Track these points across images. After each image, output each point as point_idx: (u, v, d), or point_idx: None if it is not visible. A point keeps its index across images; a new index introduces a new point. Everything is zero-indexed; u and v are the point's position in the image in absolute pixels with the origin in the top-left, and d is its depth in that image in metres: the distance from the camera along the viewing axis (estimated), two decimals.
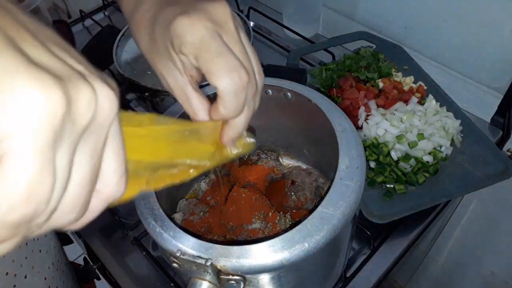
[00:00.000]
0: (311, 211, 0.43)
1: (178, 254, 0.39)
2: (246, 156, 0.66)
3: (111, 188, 0.21)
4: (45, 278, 0.55)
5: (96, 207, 0.21)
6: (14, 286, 0.49)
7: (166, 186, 0.32)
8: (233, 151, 0.38)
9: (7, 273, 0.48)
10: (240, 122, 0.36)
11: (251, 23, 1.01)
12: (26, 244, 0.52)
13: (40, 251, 0.55)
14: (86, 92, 0.17)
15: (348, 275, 0.61)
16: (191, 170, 0.35)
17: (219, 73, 0.31)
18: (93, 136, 0.18)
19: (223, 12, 0.33)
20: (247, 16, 1.02)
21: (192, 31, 0.31)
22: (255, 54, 0.36)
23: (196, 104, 0.36)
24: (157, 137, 0.29)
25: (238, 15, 0.90)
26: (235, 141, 0.37)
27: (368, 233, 0.63)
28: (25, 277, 0.51)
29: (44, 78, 0.16)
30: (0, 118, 0.15)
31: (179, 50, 0.33)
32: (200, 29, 0.31)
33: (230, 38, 0.33)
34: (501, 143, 0.79)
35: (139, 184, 0.29)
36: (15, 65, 0.15)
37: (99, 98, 0.18)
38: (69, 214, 0.19)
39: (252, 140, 0.40)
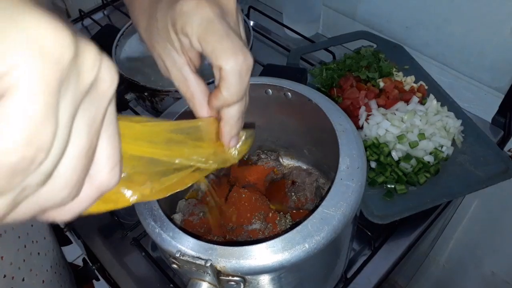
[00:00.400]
0: (311, 211, 0.42)
1: (178, 255, 0.39)
2: (246, 156, 0.66)
3: (104, 175, 0.20)
4: (43, 281, 0.55)
5: (87, 195, 0.20)
6: None
7: (172, 193, 0.31)
8: (234, 151, 0.38)
9: (4, 276, 0.48)
10: (236, 114, 0.35)
11: (251, 22, 1.01)
12: (25, 247, 0.52)
13: (38, 253, 0.55)
14: (92, 52, 0.17)
15: (348, 275, 0.61)
16: (194, 173, 0.34)
17: (225, 54, 0.31)
18: (92, 107, 0.18)
19: (231, 2, 0.33)
20: (247, 15, 1.01)
21: (199, 11, 0.31)
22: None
23: (194, 86, 0.35)
24: (154, 132, 0.29)
25: None
26: (235, 138, 0.37)
27: (369, 233, 0.63)
28: (23, 279, 0.51)
29: (57, 23, 0.16)
30: (9, 47, 0.14)
31: (181, 30, 0.32)
32: (208, 11, 0.31)
33: (234, 27, 0.33)
34: (502, 143, 0.79)
35: (140, 190, 0.28)
36: (34, 6, 0.15)
37: (102, 65, 0.18)
38: (62, 191, 0.18)
39: (250, 134, 0.39)
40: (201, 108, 0.36)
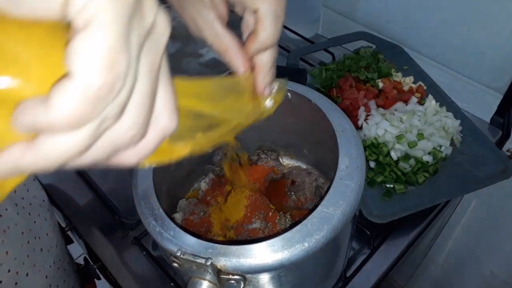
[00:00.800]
0: (311, 210, 0.43)
1: (178, 254, 0.39)
2: (247, 156, 0.66)
3: (165, 118, 0.22)
4: (46, 277, 0.55)
5: (152, 137, 0.22)
6: (16, 283, 0.49)
7: (214, 145, 0.32)
8: (269, 102, 0.38)
9: (9, 271, 0.48)
10: (270, 61, 0.36)
11: None
12: (28, 243, 0.52)
13: (41, 249, 0.55)
14: None
15: (348, 274, 0.61)
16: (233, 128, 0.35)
17: None
18: (152, 50, 0.19)
19: None
20: None
21: None
22: None
23: (227, 39, 0.36)
24: (199, 86, 0.30)
25: None
26: (269, 86, 0.37)
27: (368, 233, 0.64)
28: (27, 275, 0.51)
29: None
30: None
31: None
32: None
33: None
34: (500, 143, 0.79)
35: (191, 142, 0.30)
36: None
37: (158, 11, 0.19)
38: (131, 129, 0.19)
39: (284, 83, 0.39)
40: (237, 59, 0.36)
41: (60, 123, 0.17)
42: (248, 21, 0.36)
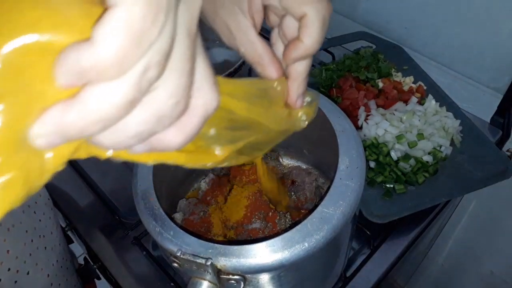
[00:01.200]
0: (311, 211, 0.43)
1: (178, 254, 0.39)
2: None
3: (206, 94, 0.21)
4: (48, 275, 0.55)
5: (196, 113, 0.20)
6: (15, 282, 0.49)
7: (254, 159, 0.31)
8: (301, 114, 0.37)
9: (9, 269, 0.48)
10: (305, 71, 0.35)
11: None
12: (32, 241, 0.52)
13: (45, 248, 0.55)
14: None
15: (348, 274, 0.61)
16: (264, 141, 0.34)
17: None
18: (187, 12, 0.19)
19: None
20: None
21: None
22: None
23: (261, 48, 0.35)
24: (234, 85, 0.29)
25: None
26: (301, 97, 0.36)
27: (368, 233, 0.64)
28: (28, 273, 0.51)
29: None
30: None
31: None
32: None
33: None
34: (500, 143, 0.79)
35: (226, 148, 0.28)
36: None
37: None
38: (172, 97, 0.18)
39: (316, 97, 0.38)
40: (271, 69, 0.35)
41: (105, 62, 0.15)
42: (287, 29, 0.34)
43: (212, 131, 0.27)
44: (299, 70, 0.35)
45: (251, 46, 0.35)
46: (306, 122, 0.37)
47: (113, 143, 0.18)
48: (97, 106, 0.16)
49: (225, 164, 0.29)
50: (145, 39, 0.16)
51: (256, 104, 0.31)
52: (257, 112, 0.31)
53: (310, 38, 0.32)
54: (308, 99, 0.37)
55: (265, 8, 0.36)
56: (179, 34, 0.18)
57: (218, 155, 0.28)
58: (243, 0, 0.34)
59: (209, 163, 0.28)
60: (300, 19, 0.32)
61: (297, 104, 0.36)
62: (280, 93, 0.35)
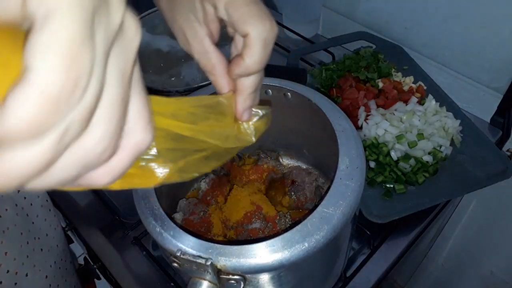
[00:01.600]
0: (311, 210, 0.43)
1: (178, 254, 0.39)
2: (247, 156, 0.67)
3: (139, 133, 0.20)
4: (46, 276, 0.55)
5: (125, 154, 0.20)
6: (15, 284, 0.49)
7: (196, 175, 0.31)
8: (251, 129, 0.37)
9: (8, 271, 0.48)
10: (252, 86, 0.35)
11: None
12: (28, 243, 0.52)
13: (41, 250, 0.55)
14: None
15: (348, 274, 0.61)
16: (215, 157, 0.33)
17: (253, 20, 0.31)
18: (121, 55, 0.18)
19: None
20: None
21: None
22: None
23: (214, 58, 0.35)
24: (178, 106, 0.29)
25: None
26: (248, 111, 0.36)
27: (368, 233, 0.64)
28: (26, 275, 0.51)
29: None
30: None
31: None
32: None
33: None
34: (500, 143, 0.79)
35: (169, 168, 0.28)
36: None
37: (126, 11, 0.18)
38: (101, 142, 0.18)
39: (267, 111, 0.38)
40: (222, 80, 0.35)
41: (18, 131, 0.14)
42: (238, 43, 0.34)
43: (153, 151, 0.27)
44: (245, 84, 0.35)
45: (205, 55, 0.35)
46: (254, 138, 0.37)
47: (39, 187, 0.17)
48: (10, 170, 0.15)
49: (169, 182, 0.29)
50: (63, 106, 0.15)
51: (201, 123, 0.31)
52: (202, 132, 0.31)
53: (251, 58, 0.32)
54: (260, 112, 0.37)
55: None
56: (110, 81, 0.17)
57: (158, 176, 0.27)
58: (198, 9, 0.34)
59: (150, 185, 0.27)
60: (244, 37, 0.32)
61: (243, 118, 0.36)
62: (229, 107, 0.35)
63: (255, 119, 0.37)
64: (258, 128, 0.37)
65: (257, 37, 0.31)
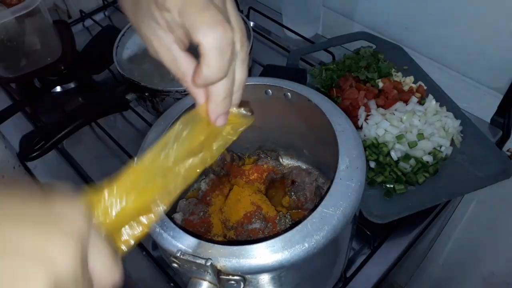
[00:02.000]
0: (311, 211, 0.43)
1: (178, 254, 0.39)
2: (247, 156, 0.66)
3: (106, 277, 0.25)
4: None
5: None
6: None
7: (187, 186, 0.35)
8: (229, 129, 0.37)
9: None
10: (222, 93, 0.33)
11: (251, 23, 1.01)
12: None
13: None
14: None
15: (348, 275, 0.61)
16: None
17: (203, 27, 0.30)
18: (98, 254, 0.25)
19: None
20: (247, 16, 1.02)
21: None
22: (241, 22, 0.34)
23: (184, 65, 0.34)
24: (152, 164, 0.34)
25: None
26: (222, 116, 0.35)
27: (368, 233, 0.63)
28: None
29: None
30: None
31: (163, 5, 0.31)
32: None
33: (216, 1, 0.32)
34: (501, 143, 0.79)
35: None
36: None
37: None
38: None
39: (248, 113, 0.38)
40: (193, 90, 0.35)
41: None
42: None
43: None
44: (214, 92, 0.34)
45: (173, 62, 0.34)
46: (235, 135, 0.38)
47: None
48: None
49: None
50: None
51: (181, 162, 0.35)
52: (184, 152, 0.35)
53: (208, 68, 0.31)
54: (240, 112, 0.39)
55: None
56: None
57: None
58: (157, 17, 0.32)
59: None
60: (198, 46, 0.31)
61: (217, 123, 0.35)
62: (202, 115, 0.36)
63: (233, 125, 0.38)
64: (236, 127, 0.38)
65: (209, 46, 0.30)
